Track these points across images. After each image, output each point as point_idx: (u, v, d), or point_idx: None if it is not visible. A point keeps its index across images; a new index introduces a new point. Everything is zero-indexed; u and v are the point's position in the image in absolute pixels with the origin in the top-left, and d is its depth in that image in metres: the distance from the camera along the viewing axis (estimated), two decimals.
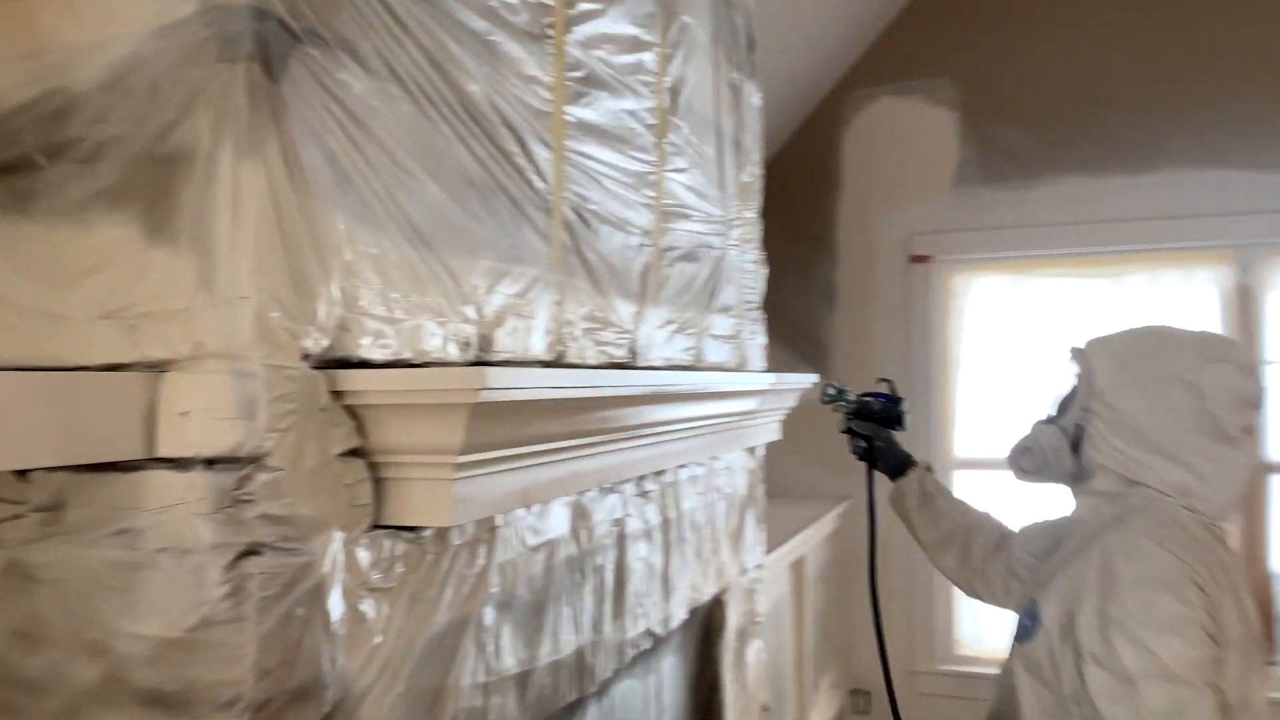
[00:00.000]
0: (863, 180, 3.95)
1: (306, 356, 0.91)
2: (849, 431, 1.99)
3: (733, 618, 2.30)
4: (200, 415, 0.87)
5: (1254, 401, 1.46)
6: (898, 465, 1.94)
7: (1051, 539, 1.62)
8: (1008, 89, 3.73)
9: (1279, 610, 3.48)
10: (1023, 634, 1.47)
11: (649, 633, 1.78)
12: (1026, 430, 1.61)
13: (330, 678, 0.93)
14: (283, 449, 0.88)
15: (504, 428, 1.05)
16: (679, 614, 1.92)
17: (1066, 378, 1.59)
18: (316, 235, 0.92)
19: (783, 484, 3.33)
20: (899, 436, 1.98)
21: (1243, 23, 3.44)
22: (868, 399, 1.99)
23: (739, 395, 1.94)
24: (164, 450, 0.88)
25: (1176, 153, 3.51)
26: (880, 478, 1.97)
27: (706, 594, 2.10)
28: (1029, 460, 1.59)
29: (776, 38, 3.12)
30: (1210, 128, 3.47)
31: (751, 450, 2.46)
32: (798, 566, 3.20)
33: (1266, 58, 3.41)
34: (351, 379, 0.94)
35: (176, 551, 0.87)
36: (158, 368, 0.89)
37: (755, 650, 2.48)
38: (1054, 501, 1.66)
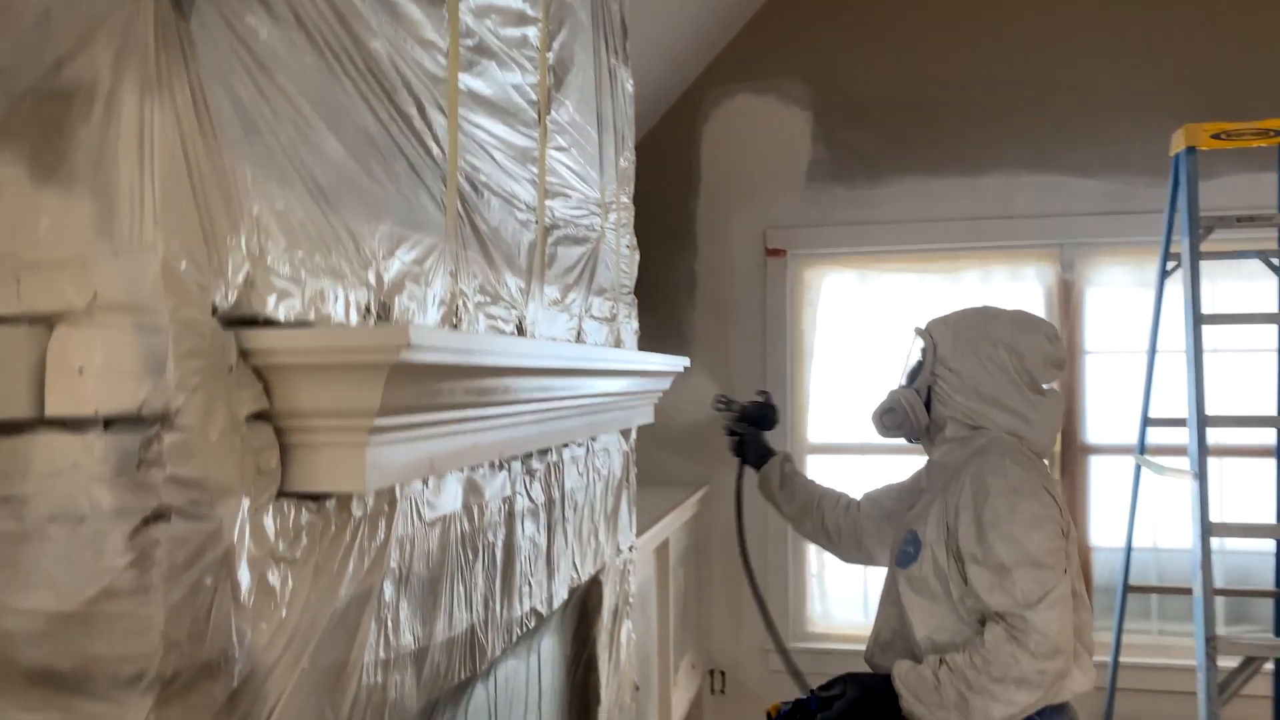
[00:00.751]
0: (720, 174, 4.04)
1: (214, 312, 0.86)
2: (730, 432, 2.41)
3: (608, 598, 2.31)
4: (98, 372, 0.81)
5: (1059, 363, 1.87)
6: (762, 457, 2.36)
7: (906, 491, 2.07)
8: (856, 92, 3.90)
9: (1097, 581, 3.78)
10: (905, 559, 1.79)
11: (534, 611, 1.77)
12: (884, 397, 1.99)
13: (239, 651, 0.88)
14: (192, 408, 0.83)
15: (416, 392, 1.02)
16: (561, 593, 1.92)
17: (913, 352, 1.98)
18: (225, 185, 0.87)
19: (644, 471, 3.37)
20: (771, 436, 2.42)
21: (1069, 38, 3.72)
22: (748, 406, 2.43)
23: (628, 374, 1.96)
24: (53, 410, 0.81)
25: (1009, 157, 3.77)
26: (749, 472, 2.41)
27: (585, 574, 2.10)
28: (891, 418, 1.94)
29: (639, 28, 3.15)
30: (1039, 135, 3.74)
31: (626, 433, 2.48)
32: (662, 550, 3.25)
33: (1090, 72, 3.70)
34: (262, 337, 0.90)
35: (70, 519, 0.81)
36: (45, 322, 0.82)
37: (627, 631, 2.50)
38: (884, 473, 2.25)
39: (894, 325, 3.93)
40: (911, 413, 1.89)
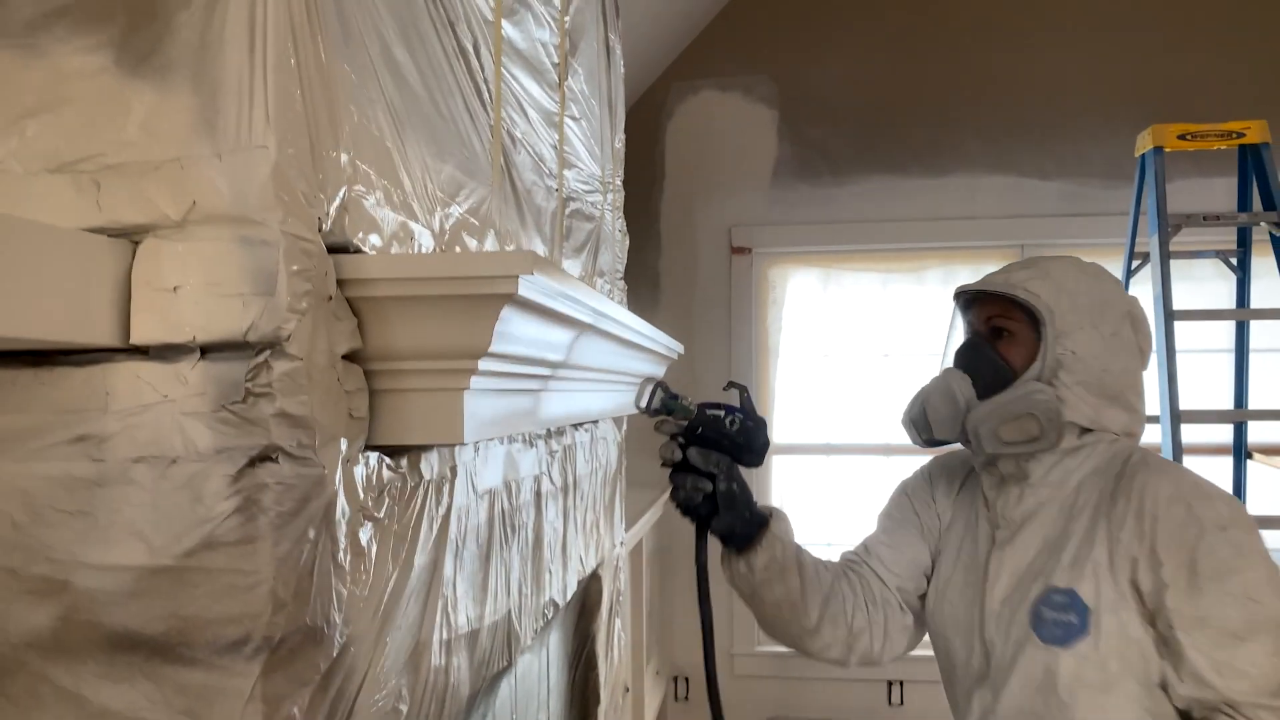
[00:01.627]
0: (685, 171, 3.99)
1: (320, 231, 0.77)
2: (680, 465, 1.28)
3: (606, 594, 2.22)
4: (195, 291, 0.70)
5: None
6: (748, 525, 1.33)
7: (977, 514, 1.40)
8: (822, 90, 3.90)
9: None
10: (1066, 634, 1.21)
11: (553, 601, 1.67)
12: (926, 394, 1.38)
13: (339, 616, 0.78)
14: (301, 335, 0.73)
15: (518, 337, 0.93)
16: (572, 584, 1.83)
17: (967, 324, 1.41)
18: (330, 92, 0.78)
19: None
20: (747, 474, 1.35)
21: (1031, 43, 3.79)
22: (715, 413, 1.28)
23: (649, 351, 1.88)
24: (140, 337, 0.70)
25: (972, 158, 3.81)
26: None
27: (589, 566, 2.01)
28: (1022, 428, 1.29)
29: None
30: (1001, 137, 3.79)
31: (619, 424, 2.40)
32: (636, 552, 3.17)
33: (1050, 76, 3.76)
34: (364, 264, 0.80)
35: (160, 461, 0.70)
36: (130, 235, 0.71)
37: (619, 629, 2.42)
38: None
39: (858, 325, 3.94)
40: (1058, 419, 1.27)
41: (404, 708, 0.93)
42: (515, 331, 0.89)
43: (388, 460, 0.91)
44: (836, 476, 3.85)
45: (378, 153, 0.88)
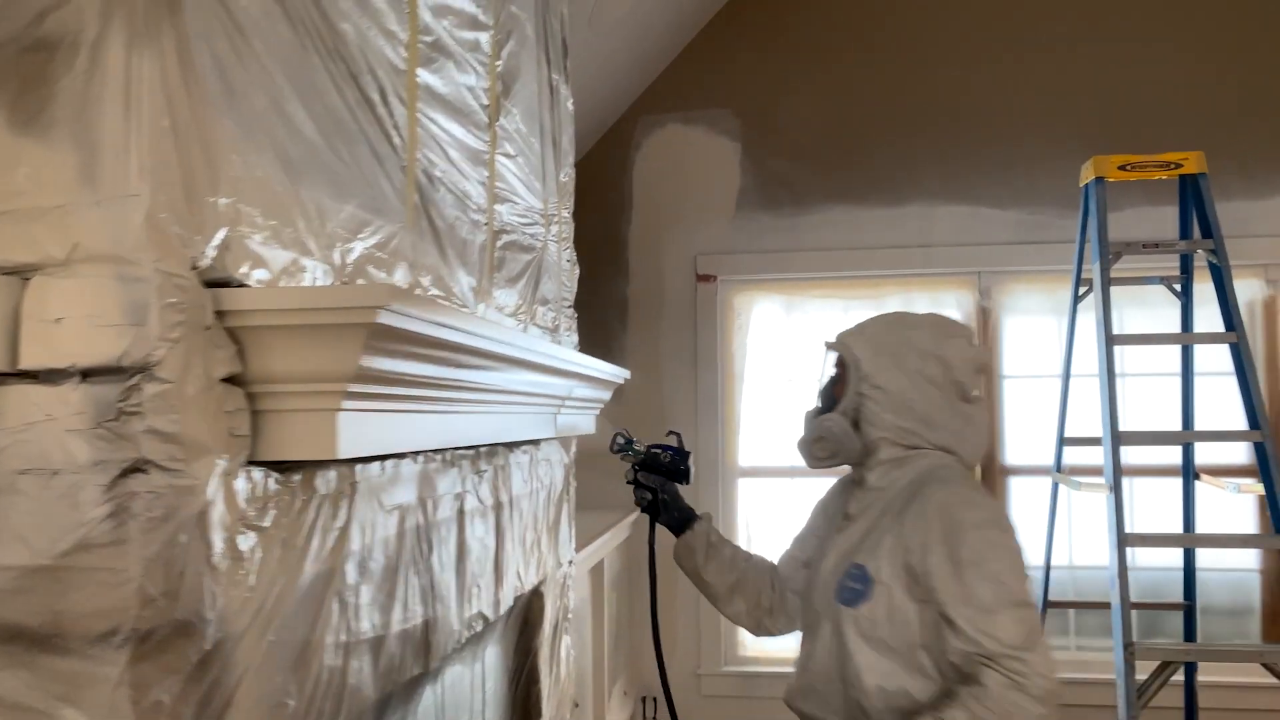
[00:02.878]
0: (652, 201, 4.10)
1: (194, 268, 0.86)
2: (635, 483, 1.96)
3: (550, 610, 2.30)
4: (77, 322, 0.80)
5: (983, 368, 1.77)
6: (681, 520, 1.94)
7: (814, 533, 1.86)
8: (784, 123, 4.02)
9: None
10: (852, 597, 1.57)
11: (481, 615, 1.75)
12: (802, 424, 1.79)
13: (211, 614, 0.87)
14: (172, 361, 0.82)
15: (387, 362, 1.02)
16: (507, 599, 1.91)
17: (827, 369, 1.79)
18: (207, 143, 0.87)
19: (579, 494, 3.37)
20: (683, 490, 1.98)
21: (987, 76, 3.91)
22: (656, 451, 1.97)
23: (577, 376, 1.97)
24: (28, 362, 0.80)
25: (929, 188, 3.92)
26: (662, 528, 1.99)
27: (529, 583, 2.09)
28: (822, 447, 1.73)
29: (575, 56, 3.21)
30: (958, 167, 3.90)
31: (566, 446, 2.49)
32: (597, 571, 3.24)
33: (1004, 107, 3.88)
34: (240, 296, 0.89)
35: (43, 472, 0.79)
36: (20, 273, 0.81)
37: (566, 646, 2.49)
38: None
39: (821, 351, 4.03)
40: (846, 439, 1.69)
41: (291, 703, 1.02)
42: (385, 357, 0.99)
43: (275, 475, 1.00)
44: (801, 499, 3.93)
45: (265, 196, 0.98)
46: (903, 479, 1.64)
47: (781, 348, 4.06)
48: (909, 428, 1.65)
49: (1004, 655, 1.42)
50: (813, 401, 1.81)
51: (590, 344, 4.02)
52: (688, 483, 1.97)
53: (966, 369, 1.68)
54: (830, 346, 1.78)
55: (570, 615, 2.54)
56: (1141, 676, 2.97)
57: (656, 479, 1.95)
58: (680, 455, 1.97)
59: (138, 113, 0.80)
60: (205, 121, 0.87)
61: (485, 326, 1.23)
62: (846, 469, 1.81)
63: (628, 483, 1.98)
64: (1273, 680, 2.86)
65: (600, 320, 4.09)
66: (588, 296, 4.02)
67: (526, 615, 2.22)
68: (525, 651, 2.21)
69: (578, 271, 2.63)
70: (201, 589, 0.86)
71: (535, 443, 2.17)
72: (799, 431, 1.80)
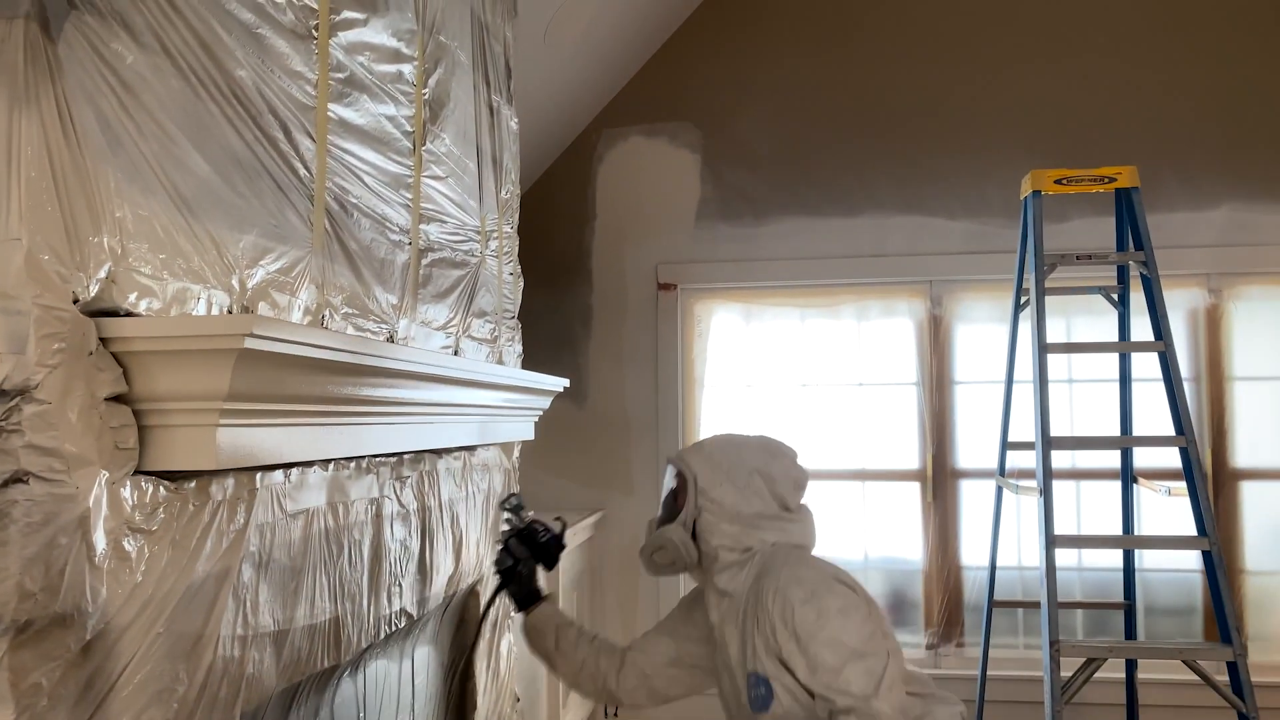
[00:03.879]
0: (615, 211, 4.22)
1: (76, 301, 0.97)
2: (504, 547, 2.09)
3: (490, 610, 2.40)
4: None
5: (804, 484, 1.93)
6: (528, 595, 2.10)
7: (680, 629, 2.01)
8: (742, 136, 4.14)
9: (967, 598, 4.00)
10: (762, 703, 1.73)
11: (404, 612, 1.86)
12: (645, 533, 1.96)
13: (92, 607, 0.98)
14: (51, 385, 0.93)
15: (265, 380, 1.13)
16: (435, 598, 2.02)
17: (668, 481, 1.96)
18: (89, 190, 0.98)
19: (539, 497, 3.48)
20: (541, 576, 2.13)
21: (937, 92, 4.02)
22: (537, 528, 2.09)
23: (490, 386, 2.07)
24: None
25: (881, 199, 4.03)
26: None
27: (462, 583, 2.20)
28: (663, 555, 1.89)
29: (537, 71, 3.33)
30: (908, 179, 4.01)
31: (508, 451, 2.60)
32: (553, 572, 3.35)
33: (952, 121, 3.99)
34: (119, 325, 1.01)
35: None
36: None
37: (508, 643, 2.60)
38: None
39: (779, 357, 4.15)
40: (684, 549, 1.86)
41: (180, 688, 1.13)
42: (263, 378, 1.10)
43: (165, 483, 1.11)
44: None
45: (151, 233, 1.09)
46: (748, 579, 1.81)
47: (740, 355, 4.18)
48: (741, 534, 1.84)
49: (856, 708, 1.60)
50: (656, 513, 1.98)
51: (554, 350, 4.15)
52: (549, 569, 2.12)
53: (789, 485, 1.89)
54: (671, 462, 1.96)
55: (514, 615, 2.65)
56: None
57: (524, 551, 2.08)
58: (555, 542, 2.09)
59: (18, 167, 0.91)
60: (86, 172, 0.98)
61: (366, 344, 1.34)
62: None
63: (495, 543, 2.10)
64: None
65: (564, 327, 4.21)
66: (552, 304, 4.16)
67: (463, 615, 2.33)
68: (461, 648, 2.32)
69: (521, 283, 2.74)
70: (84, 585, 0.97)
71: (471, 449, 2.28)
72: (641, 542, 1.97)
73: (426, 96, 1.98)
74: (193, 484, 1.16)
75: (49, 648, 0.93)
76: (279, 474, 1.37)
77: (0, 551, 0.89)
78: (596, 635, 2.10)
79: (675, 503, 1.91)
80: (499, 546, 2.10)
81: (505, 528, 2.13)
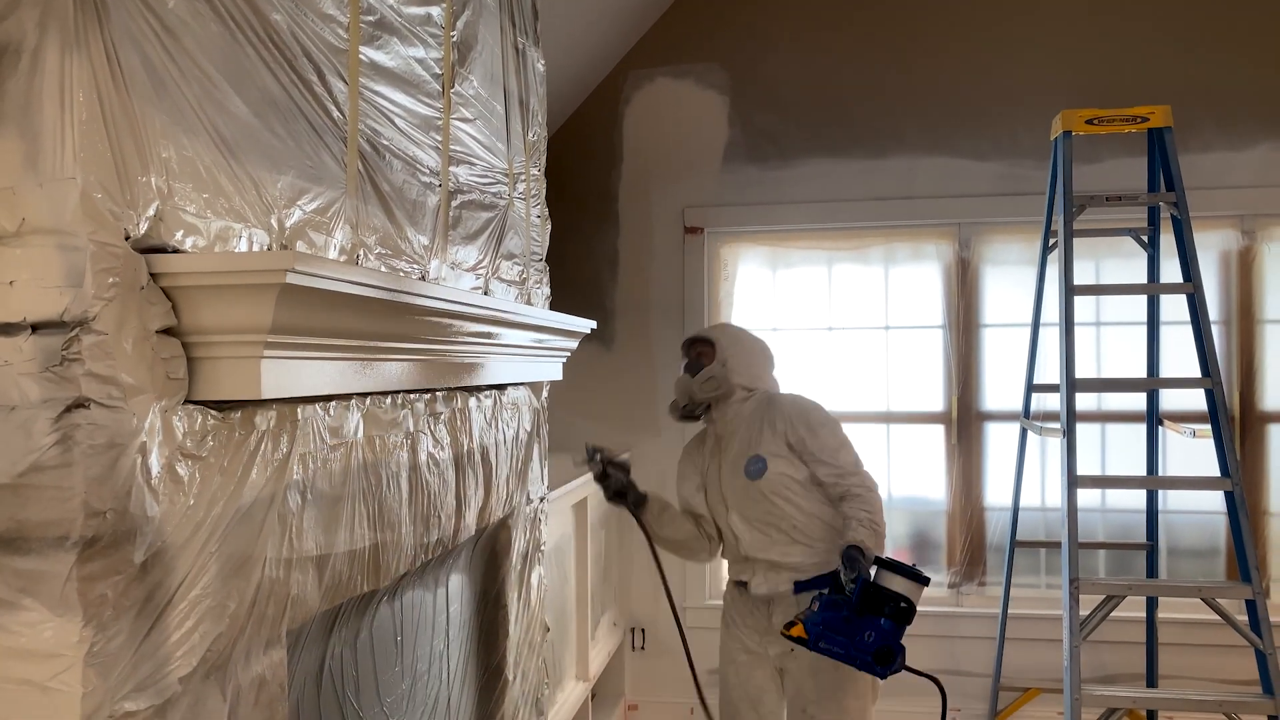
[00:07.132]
0: (641, 155, 4.22)
1: (127, 238, 1.02)
2: (606, 476, 2.76)
3: (518, 542, 2.49)
4: (27, 284, 0.96)
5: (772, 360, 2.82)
6: (639, 499, 2.78)
7: (694, 462, 2.78)
8: (770, 77, 4.11)
9: (990, 538, 4.05)
10: (758, 471, 2.57)
11: (440, 542, 1.93)
12: (679, 386, 2.74)
13: (149, 526, 1.05)
14: (107, 317, 0.99)
15: (307, 315, 1.18)
16: (468, 530, 2.09)
17: (696, 349, 2.74)
18: (136, 130, 1.03)
19: (567, 439, 3.55)
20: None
21: (968, 29, 3.96)
22: (617, 459, 2.78)
23: (521, 326, 2.12)
24: None
25: (910, 141, 4.00)
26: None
27: (494, 516, 2.27)
28: (711, 385, 2.66)
29: (564, 13, 3.32)
30: (938, 120, 3.97)
31: (537, 391, 2.66)
32: (580, 508, 3.43)
33: (984, 60, 3.94)
34: (168, 261, 1.06)
35: (3, 409, 0.96)
36: None
37: (538, 575, 2.68)
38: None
39: (805, 300, 4.16)
40: (722, 378, 2.65)
41: (231, 604, 1.20)
42: (300, 312, 1.15)
43: (212, 412, 1.17)
44: None
45: (195, 173, 1.13)
46: (752, 404, 2.66)
47: (767, 298, 4.20)
48: (752, 379, 2.69)
49: (852, 472, 2.52)
50: (680, 371, 2.77)
51: (581, 294, 4.19)
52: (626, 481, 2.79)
53: (773, 356, 2.82)
54: (696, 335, 2.80)
55: (543, 548, 2.74)
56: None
57: (620, 473, 2.77)
58: (624, 472, 2.78)
59: (71, 109, 0.96)
60: (134, 113, 1.02)
61: (401, 281, 1.39)
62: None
63: (596, 479, 2.78)
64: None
65: (591, 271, 4.25)
66: (579, 248, 4.19)
67: (494, 546, 2.41)
68: (493, 578, 2.40)
69: (549, 226, 2.77)
70: (143, 505, 1.03)
71: (501, 388, 2.34)
72: (675, 394, 2.77)
73: (455, 39, 2.00)
74: (238, 414, 1.22)
75: (114, 562, 1.00)
76: (319, 407, 1.43)
77: (66, 472, 0.96)
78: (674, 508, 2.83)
79: (701, 360, 2.68)
80: (601, 482, 2.77)
81: (587, 470, 2.81)
